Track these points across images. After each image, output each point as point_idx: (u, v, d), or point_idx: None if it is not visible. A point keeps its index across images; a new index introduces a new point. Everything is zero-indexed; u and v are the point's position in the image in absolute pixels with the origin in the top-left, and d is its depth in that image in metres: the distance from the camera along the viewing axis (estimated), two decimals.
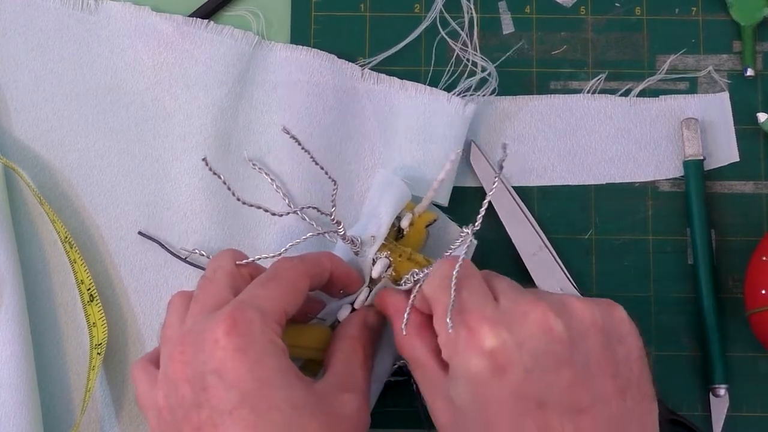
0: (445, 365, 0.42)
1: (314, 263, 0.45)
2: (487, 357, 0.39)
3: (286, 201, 0.51)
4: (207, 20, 0.54)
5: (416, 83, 0.53)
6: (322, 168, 0.50)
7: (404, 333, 0.44)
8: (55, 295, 0.52)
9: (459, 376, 0.40)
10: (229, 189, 0.47)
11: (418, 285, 0.44)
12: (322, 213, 0.47)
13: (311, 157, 0.51)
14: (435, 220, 0.50)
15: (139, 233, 0.52)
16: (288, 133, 0.51)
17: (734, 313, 0.52)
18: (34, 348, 0.50)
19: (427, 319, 0.44)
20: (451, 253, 0.46)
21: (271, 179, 0.51)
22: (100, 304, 0.51)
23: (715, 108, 0.54)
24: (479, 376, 0.39)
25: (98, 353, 0.50)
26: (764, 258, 0.49)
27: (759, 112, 0.53)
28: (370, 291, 0.48)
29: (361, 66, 0.53)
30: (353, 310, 0.48)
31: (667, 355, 0.52)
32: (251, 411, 0.39)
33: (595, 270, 0.53)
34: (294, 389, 0.40)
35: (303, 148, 0.51)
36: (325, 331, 0.47)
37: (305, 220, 0.50)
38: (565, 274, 0.51)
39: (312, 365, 0.47)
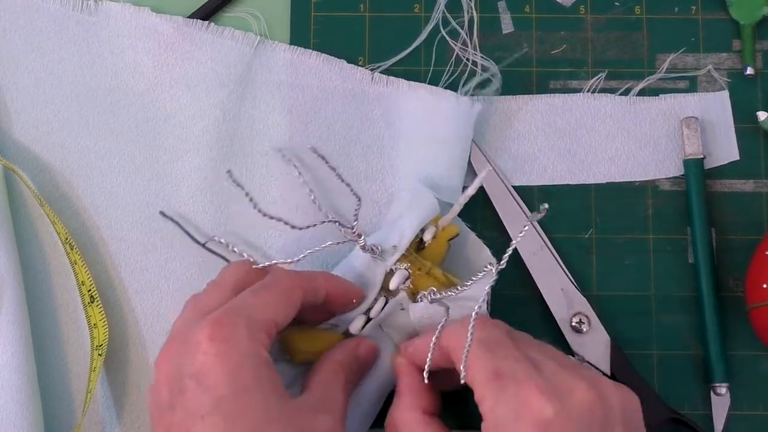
0: None
1: (309, 279, 0.45)
2: (543, 428, 0.39)
3: (317, 203, 0.50)
4: (207, 21, 0.54)
5: (424, 84, 0.53)
6: (347, 185, 0.50)
7: (426, 380, 0.44)
8: (56, 296, 0.52)
9: None
10: (251, 200, 0.48)
11: (436, 333, 0.44)
12: (344, 227, 0.47)
13: (337, 174, 0.50)
14: (457, 235, 0.50)
15: (161, 213, 0.52)
16: (316, 152, 0.51)
17: (735, 312, 0.52)
18: (35, 349, 0.50)
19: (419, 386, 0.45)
20: (472, 283, 0.45)
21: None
22: (100, 305, 0.51)
23: (715, 107, 0.54)
24: None
25: (99, 354, 0.50)
26: (767, 253, 0.49)
27: (759, 110, 0.53)
28: (386, 301, 0.47)
29: (371, 70, 0.53)
30: (368, 321, 0.47)
31: (667, 354, 0.52)
32: (223, 418, 0.39)
33: (595, 269, 0.53)
34: (269, 401, 0.40)
35: (329, 165, 0.51)
36: (338, 337, 0.47)
37: (335, 223, 0.49)
38: (565, 273, 0.51)
39: None
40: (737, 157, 0.53)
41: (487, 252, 0.50)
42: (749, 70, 0.53)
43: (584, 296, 0.51)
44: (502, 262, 0.43)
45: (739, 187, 0.53)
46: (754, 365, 0.52)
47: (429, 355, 0.44)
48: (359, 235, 0.47)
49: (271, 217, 0.47)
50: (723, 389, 0.51)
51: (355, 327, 0.47)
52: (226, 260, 0.50)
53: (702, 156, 0.52)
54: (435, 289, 0.46)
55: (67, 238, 0.51)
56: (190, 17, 0.54)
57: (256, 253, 0.51)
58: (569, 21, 0.55)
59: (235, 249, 0.49)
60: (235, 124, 0.53)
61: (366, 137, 0.53)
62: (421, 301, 0.47)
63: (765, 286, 0.48)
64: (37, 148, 0.53)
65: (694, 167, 0.52)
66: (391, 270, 0.48)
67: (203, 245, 0.51)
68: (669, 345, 0.52)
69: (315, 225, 0.48)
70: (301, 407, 0.42)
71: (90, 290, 0.51)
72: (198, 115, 0.53)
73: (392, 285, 0.47)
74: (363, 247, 0.47)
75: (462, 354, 0.42)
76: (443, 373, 0.45)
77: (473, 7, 0.54)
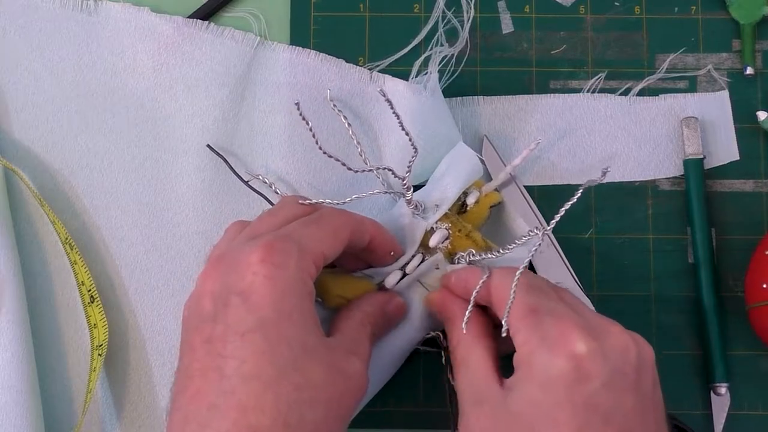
0: (498, 374, 0.43)
1: (357, 220, 0.46)
2: (575, 361, 0.40)
3: (360, 152, 0.49)
4: (207, 21, 0.54)
5: (394, 78, 0.52)
6: (406, 132, 0.48)
7: (464, 331, 0.44)
8: (56, 296, 0.52)
9: (535, 376, 0.40)
10: (313, 136, 0.48)
11: (481, 281, 0.44)
12: (396, 176, 0.47)
13: (393, 112, 0.49)
14: (500, 203, 0.51)
15: (208, 146, 0.52)
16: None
17: (735, 312, 0.52)
18: (35, 349, 0.50)
19: (486, 324, 0.45)
20: (515, 246, 0.46)
21: (348, 124, 0.50)
22: (100, 305, 0.51)
23: (715, 107, 0.54)
24: (561, 379, 0.40)
25: (99, 354, 0.50)
26: (767, 252, 0.49)
27: (759, 110, 0.53)
28: (423, 257, 0.48)
29: (369, 69, 0.53)
30: (404, 276, 0.48)
31: (667, 354, 0.52)
32: (264, 338, 0.40)
33: (595, 269, 0.53)
34: (309, 332, 0.41)
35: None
36: (371, 287, 0.48)
37: (388, 171, 0.48)
38: (570, 273, 0.51)
39: None
40: (737, 157, 0.53)
41: (521, 222, 0.51)
42: (749, 70, 0.53)
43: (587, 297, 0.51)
44: (549, 227, 0.44)
45: (739, 187, 0.53)
46: (754, 365, 0.52)
47: (474, 293, 0.44)
48: (409, 188, 0.47)
49: (330, 156, 0.47)
50: (723, 389, 0.51)
51: (390, 281, 0.48)
52: (269, 201, 0.51)
53: (702, 156, 0.52)
54: (474, 251, 0.47)
55: (67, 238, 0.51)
56: (190, 17, 0.54)
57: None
58: (569, 21, 0.55)
59: (278, 191, 0.50)
60: (235, 124, 0.53)
61: (364, 137, 0.53)
62: (459, 262, 0.48)
63: (765, 286, 0.48)
64: (37, 148, 0.53)
65: (694, 167, 0.52)
66: (432, 228, 0.48)
67: (246, 183, 0.51)
68: (669, 345, 0.52)
69: (370, 170, 0.48)
70: (334, 346, 0.43)
71: (90, 290, 0.51)
72: (198, 115, 0.53)
73: (432, 242, 0.48)
74: (408, 201, 0.48)
75: (505, 293, 0.42)
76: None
77: (473, 7, 0.54)
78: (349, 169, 0.47)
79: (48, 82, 0.53)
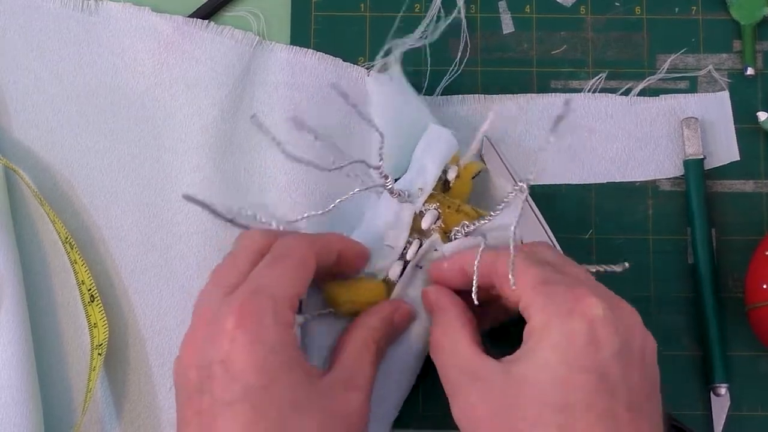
0: (485, 352, 0.43)
1: (321, 242, 0.45)
2: (590, 324, 0.40)
3: (335, 150, 0.48)
4: (207, 21, 0.54)
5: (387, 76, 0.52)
6: (368, 122, 0.47)
7: (476, 302, 0.44)
8: (56, 295, 0.52)
9: (550, 340, 0.40)
10: (278, 144, 0.46)
11: (480, 250, 0.44)
12: (370, 166, 0.46)
13: (357, 111, 0.47)
14: (480, 172, 0.51)
15: (184, 196, 0.49)
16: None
17: (735, 313, 0.52)
18: (35, 349, 0.50)
19: (465, 307, 0.45)
20: (503, 206, 0.46)
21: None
22: (100, 305, 0.51)
23: (715, 107, 0.54)
24: (576, 341, 0.40)
25: (99, 354, 0.50)
26: (767, 253, 0.49)
27: (759, 111, 0.53)
28: (421, 243, 0.48)
29: (366, 68, 0.53)
30: (405, 265, 0.48)
31: (667, 355, 0.52)
32: (251, 407, 0.39)
33: None
34: (297, 387, 0.41)
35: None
36: (378, 285, 0.47)
37: (349, 176, 0.48)
38: (546, 233, 0.51)
39: None
40: (737, 158, 0.53)
41: (502, 181, 0.51)
42: (749, 71, 0.53)
43: None
44: (529, 180, 0.44)
45: (739, 187, 0.53)
46: (754, 365, 0.52)
47: (476, 264, 0.44)
48: (386, 177, 0.47)
49: (299, 160, 0.45)
50: (723, 390, 0.51)
51: (393, 273, 0.48)
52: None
53: (702, 156, 0.52)
54: (467, 222, 0.47)
55: (67, 238, 0.51)
56: (190, 17, 0.54)
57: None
58: (569, 21, 0.55)
59: (263, 219, 0.49)
60: (234, 124, 0.53)
61: (364, 134, 0.53)
62: (455, 237, 0.48)
63: (765, 286, 0.48)
64: (37, 147, 0.53)
65: (695, 167, 0.52)
66: (421, 212, 0.48)
67: (231, 221, 0.50)
68: (669, 345, 0.52)
69: (342, 167, 0.46)
70: (330, 385, 0.42)
71: (90, 289, 0.51)
72: (197, 114, 0.53)
73: (424, 225, 0.48)
74: (390, 191, 0.47)
75: (507, 265, 0.42)
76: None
77: (462, 6, 0.54)
78: (322, 169, 0.45)
79: (48, 82, 0.53)
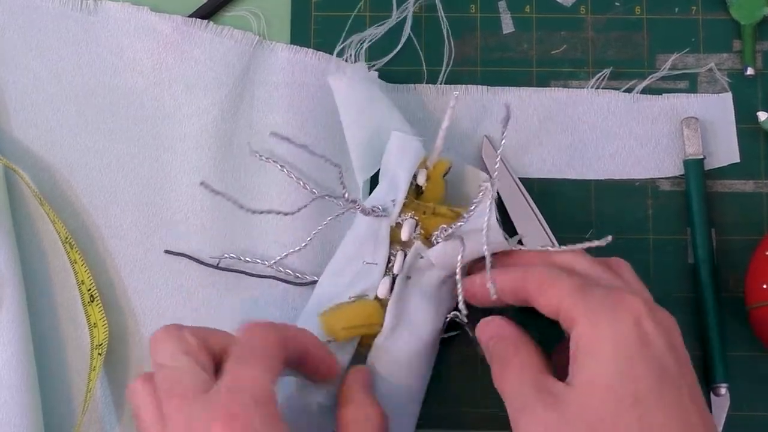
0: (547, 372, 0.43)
1: (289, 333, 0.43)
2: (635, 320, 0.41)
3: (301, 183, 0.50)
4: (207, 20, 0.53)
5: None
6: (321, 156, 0.50)
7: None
8: (56, 295, 0.52)
9: (604, 340, 0.41)
10: (235, 203, 0.49)
11: (459, 257, 0.45)
12: (332, 198, 0.47)
13: (309, 150, 0.51)
14: (450, 168, 0.50)
15: (166, 251, 0.52)
16: (278, 135, 0.52)
17: (735, 313, 0.52)
18: (35, 349, 0.50)
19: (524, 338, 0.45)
20: (475, 207, 0.47)
21: (281, 166, 0.51)
22: (100, 305, 0.51)
23: (716, 107, 0.54)
24: (628, 338, 0.41)
25: (99, 354, 0.50)
26: (767, 253, 0.49)
27: (759, 111, 0.53)
28: (405, 255, 0.48)
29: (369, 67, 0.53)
30: (394, 280, 0.47)
31: None
32: None
33: None
34: None
35: (296, 144, 0.51)
36: (372, 305, 0.47)
37: (326, 197, 0.49)
38: (539, 221, 0.51)
39: (366, 339, 0.47)
40: (738, 159, 0.53)
41: (484, 176, 0.51)
42: (750, 71, 0.53)
43: None
44: (494, 175, 0.46)
45: (739, 187, 0.53)
46: (754, 365, 0.52)
47: (458, 269, 0.45)
48: (353, 201, 0.47)
49: (261, 212, 0.49)
50: (723, 390, 0.51)
51: (382, 290, 0.47)
52: (243, 272, 0.51)
53: (702, 156, 0.52)
54: (445, 226, 0.47)
55: (66, 237, 0.51)
56: (190, 17, 0.54)
57: (265, 257, 0.51)
58: (569, 21, 0.55)
59: (248, 258, 0.51)
60: (234, 124, 0.53)
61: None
62: (436, 241, 0.47)
63: (765, 286, 0.48)
64: (37, 147, 0.53)
65: (695, 167, 0.52)
66: (398, 224, 0.48)
67: (217, 267, 0.51)
68: None
69: (305, 206, 0.49)
70: None
71: (90, 289, 0.51)
72: (196, 114, 0.53)
73: (404, 236, 0.48)
74: (363, 210, 0.47)
75: (486, 277, 0.45)
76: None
77: (475, 6, 0.54)
78: (285, 214, 0.49)
79: (47, 81, 0.53)
